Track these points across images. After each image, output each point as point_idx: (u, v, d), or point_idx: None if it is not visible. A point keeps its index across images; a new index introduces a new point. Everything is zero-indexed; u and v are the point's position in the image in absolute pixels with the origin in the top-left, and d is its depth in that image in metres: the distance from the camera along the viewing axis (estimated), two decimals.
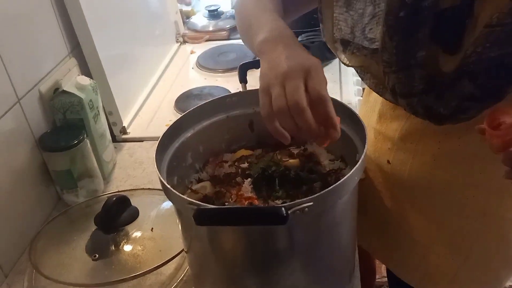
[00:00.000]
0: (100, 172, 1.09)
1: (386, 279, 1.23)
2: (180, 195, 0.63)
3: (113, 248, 0.86)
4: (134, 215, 0.91)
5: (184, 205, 0.62)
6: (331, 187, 0.61)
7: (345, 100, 1.34)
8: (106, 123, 1.16)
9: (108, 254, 0.85)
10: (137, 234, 0.89)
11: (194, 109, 0.83)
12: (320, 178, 0.78)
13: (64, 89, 1.02)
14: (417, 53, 0.67)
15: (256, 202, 0.74)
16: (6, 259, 0.91)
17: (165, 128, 0.78)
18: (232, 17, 1.92)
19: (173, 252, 0.82)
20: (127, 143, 1.29)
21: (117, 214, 0.89)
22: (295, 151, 0.85)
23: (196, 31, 1.90)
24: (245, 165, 0.83)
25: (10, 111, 0.92)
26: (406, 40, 0.67)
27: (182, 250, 0.81)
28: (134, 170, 1.17)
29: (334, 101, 0.80)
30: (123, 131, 1.31)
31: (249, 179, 0.79)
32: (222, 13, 1.94)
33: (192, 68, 1.68)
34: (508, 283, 1.92)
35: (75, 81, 1.05)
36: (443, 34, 0.66)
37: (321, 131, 0.62)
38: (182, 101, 1.43)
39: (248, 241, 0.68)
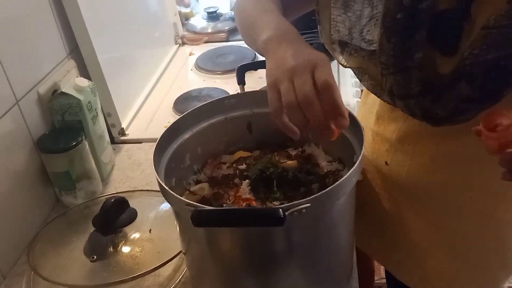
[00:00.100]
0: (98, 173, 1.09)
1: (385, 280, 1.23)
2: (178, 196, 0.63)
3: (111, 249, 0.86)
4: (132, 216, 0.91)
5: (182, 207, 0.62)
6: (329, 188, 0.61)
7: (343, 102, 1.33)
8: (105, 125, 1.16)
9: (106, 256, 0.85)
10: (135, 235, 0.89)
11: (192, 111, 0.83)
12: (318, 180, 0.78)
13: (62, 90, 1.02)
14: (415, 55, 0.67)
15: (254, 203, 0.75)
16: (4, 261, 0.91)
17: (163, 130, 0.78)
18: (231, 19, 1.92)
19: (171, 254, 0.82)
20: (125, 144, 1.29)
21: (116, 216, 0.89)
22: (293, 153, 0.86)
23: (195, 32, 1.90)
24: (243, 166, 0.83)
25: (8, 112, 0.92)
26: (404, 42, 0.67)
27: (180, 252, 0.81)
28: (132, 172, 1.17)
29: None
30: (122, 132, 1.31)
31: (247, 180, 0.79)
32: (221, 15, 1.95)
33: (191, 70, 1.68)
34: (507, 284, 1.92)
35: (73, 83, 1.05)
36: (440, 36, 0.66)
37: (330, 124, 0.62)
38: (180, 102, 1.44)
39: (246, 242, 0.68)
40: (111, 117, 1.27)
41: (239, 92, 0.88)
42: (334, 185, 0.61)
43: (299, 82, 0.61)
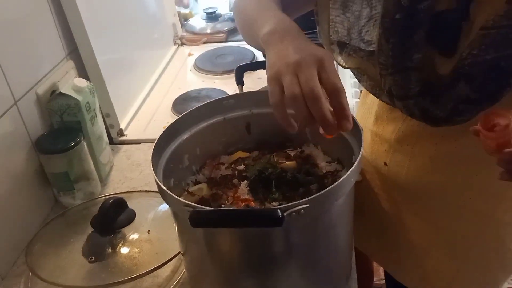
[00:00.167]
0: (97, 174, 1.09)
1: (384, 281, 1.23)
2: (176, 197, 0.63)
3: (110, 250, 0.86)
4: (131, 217, 0.91)
5: (180, 207, 0.62)
6: (327, 189, 0.61)
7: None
8: (104, 125, 1.16)
9: (104, 257, 0.85)
10: (134, 236, 0.88)
11: (191, 111, 0.83)
12: (316, 180, 0.78)
13: (61, 91, 1.02)
14: (413, 56, 0.67)
15: (252, 204, 0.75)
16: (3, 261, 0.91)
17: (162, 130, 0.78)
18: (230, 19, 1.92)
19: (169, 255, 0.82)
20: (124, 145, 1.29)
21: (114, 217, 0.89)
22: (292, 153, 0.86)
23: (194, 33, 1.90)
24: (242, 167, 0.83)
25: (7, 113, 0.92)
26: (402, 43, 0.67)
27: (179, 253, 0.81)
28: (131, 172, 1.17)
29: None
30: (121, 133, 1.31)
31: (246, 181, 0.79)
32: (220, 15, 1.95)
33: (190, 70, 1.68)
34: (506, 285, 1.92)
35: (72, 83, 1.05)
36: (439, 36, 0.66)
37: (333, 121, 0.61)
38: (179, 103, 1.44)
39: (244, 243, 0.68)
40: (109, 117, 1.27)
41: (238, 92, 0.88)
42: (332, 185, 0.61)
43: (305, 76, 0.60)
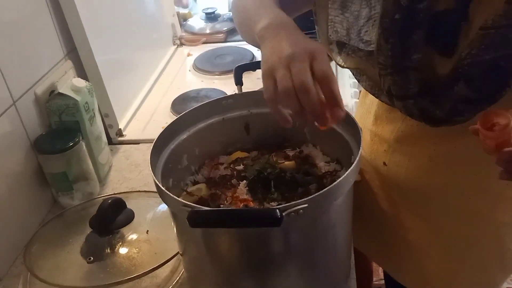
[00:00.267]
0: (95, 174, 1.08)
1: (383, 281, 1.23)
2: (175, 197, 0.63)
3: (109, 250, 0.86)
4: (130, 217, 0.91)
5: (178, 207, 0.62)
6: (326, 188, 0.61)
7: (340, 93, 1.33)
8: (102, 126, 1.16)
9: (103, 257, 0.85)
10: (133, 236, 0.88)
11: (189, 111, 0.83)
12: (315, 180, 0.78)
13: (59, 91, 1.02)
14: (413, 56, 0.67)
15: (251, 204, 0.74)
16: (1, 262, 0.91)
17: (161, 131, 0.78)
18: (229, 19, 1.92)
19: (168, 255, 0.81)
20: (123, 145, 1.29)
21: (113, 217, 0.89)
22: (291, 153, 0.85)
23: (193, 33, 1.90)
24: (241, 167, 0.83)
25: (5, 113, 0.92)
26: (402, 43, 0.67)
27: (178, 253, 0.81)
28: (130, 173, 1.17)
29: None
30: (119, 133, 1.30)
31: (245, 181, 0.79)
32: (219, 15, 1.95)
33: (189, 71, 1.68)
34: (506, 285, 1.92)
35: (70, 83, 1.04)
36: (438, 36, 0.66)
37: (325, 113, 0.62)
38: (178, 103, 1.43)
39: (243, 243, 0.68)
40: (108, 117, 1.27)
41: (237, 92, 0.88)
42: (331, 185, 0.61)
43: (297, 69, 0.60)
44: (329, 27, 0.78)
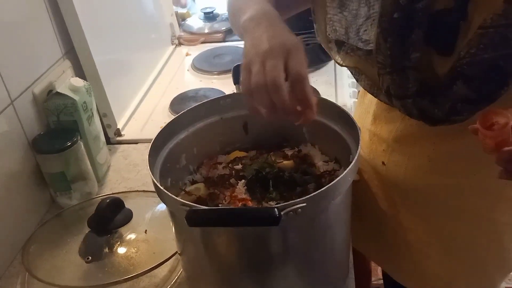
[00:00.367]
0: (94, 174, 1.08)
1: (382, 281, 1.23)
2: (173, 196, 0.63)
3: (107, 250, 0.86)
4: (128, 217, 0.91)
5: (177, 207, 0.62)
6: (324, 188, 0.61)
7: (340, 102, 1.34)
8: (100, 125, 1.16)
9: (101, 257, 0.85)
10: (131, 236, 0.88)
11: (188, 111, 0.83)
12: (314, 180, 0.78)
13: (58, 91, 1.02)
14: (411, 55, 0.67)
15: (250, 203, 0.74)
16: None
17: (159, 130, 0.77)
18: (228, 19, 1.92)
19: (167, 254, 0.81)
20: (121, 145, 1.29)
21: (111, 217, 0.89)
22: (289, 153, 0.85)
23: (191, 33, 1.90)
24: (239, 166, 0.83)
25: (3, 113, 0.92)
26: (400, 42, 0.67)
27: (176, 253, 0.81)
28: (128, 173, 1.17)
29: (328, 102, 0.81)
30: (118, 133, 1.30)
31: (243, 180, 0.79)
32: (218, 15, 1.94)
33: (188, 70, 1.68)
34: (504, 285, 1.92)
35: (69, 83, 1.04)
36: (437, 36, 0.66)
37: (297, 109, 0.64)
38: (177, 103, 1.43)
39: (242, 243, 0.68)
40: (106, 117, 1.27)
41: (235, 92, 0.87)
42: (329, 184, 0.61)
43: (270, 65, 0.62)
44: (328, 25, 0.78)
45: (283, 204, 0.58)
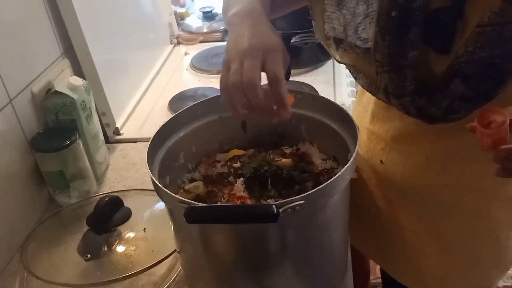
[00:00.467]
0: (92, 173, 1.08)
1: (380, 280, 1.23)
2: (171, 194, 0.63)
3: (106, 248, 0.86)
4: (127, 215, 0.91)
5: (175, 204, 0.62)
6: (322, 185, 0.61)
7: (338, 101, 1.34)
8: (99, 124, 1.16)
9: (100, 255, 0.85)
10: (130, 234, 0.88)
11: (186, 109, 0.83)
12: (312, 178, 0.78)
13: (56, 89, 1.02)
14: (409, 53, 0.67)
15: (248, 201, 0.75)
16: None
17: (158, 129, 0.77)
18: None
19: (165, 253, 0.81)
20: (120, 144, 1.29)
21: (110, 215, 0.89)
22: (288, 151, 0.86)
23: (190, 32, 1.90)
24: (238, 164, 0.83)
25: (1, 112, 0.92)
26: (398, 40, 0.67)
27: (175, 251, 0.81)
28: (127, 171, 1.17)
29: (326, 100, 0.81)
30: (116, 132, 1.30)
31: (242, 178, 0.79)
32: (216, 14, 1.95)
33: (186, 70, 1.68)
34: (502, 283, 1.93)
35: (67, 82, 1.04)
36: (435, 34, 0.66)
37: (272, 109, 0.66)
38: (175, 102, 1.43)
39: (240, 241, 0.68)
40: (105, 116, 1.27)
41: None
42: (327, 182, 0.61)
43: (247, 65, 0.64)
44: (327, 23, 0.78)
45: (282, 201, 0.58)
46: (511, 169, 0.59)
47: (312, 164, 0.82)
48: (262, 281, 0.71)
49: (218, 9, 1.98)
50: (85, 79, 1.15)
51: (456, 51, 0.64)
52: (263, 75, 0.65)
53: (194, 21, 1.95)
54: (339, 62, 0.82)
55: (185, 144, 0.83)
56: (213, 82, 1.55)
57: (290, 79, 0.86)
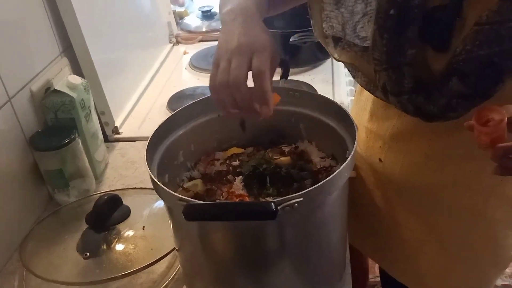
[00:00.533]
0: (92, 171, 1.08)
1: (379, 279, 1.24)
2: (170, 191, 0.63)
3: (105, 247, 0.86)
4: (126, 214, 0.91)
5: (174, 202, 0.62)
6: (321, 183, 0.61)
7: (337, 101, 1.34)
8: (98, 123, 1.16)
9: (99, 253, 0.85)
10: (129, 233, 0.88)
11: (185, 107, 0.83)
12: (311, 176, 0.78)
13: (55, 88, 1.02)
14: (407, 51, 0.67)
15: (247, 199, 0.75)
16: None
17: (157, 127, 0.78)
18: None
19: (164, 251, 0.82)
20: (119, 143, 1.29)
21: (109, 213, 0.89)
22: (287, 149, 0.86)
23: (189, 31, 1.90)
24: (237, 163, 0.83)
25: (0, 110, 0.92)
26: (396, 39, 0.67)
27: (174, 249, 0.81)
28: (126, 170, 1.17)
29: (325, 99, 0.81)
30: (115, 131, 1.30)
31: (240, 176, 0.79)
32: (215, 14, 1.95)
33: (185, 69, 1.68)
34: (500, 282, 1.93)
35: (66, 81, 1.04)
36: (433, 32, 0.66)
37: (256, 108, 0.68)
38: (174, 101, 1.44)
39: (239, 239, 0.68)
40: (104, 115, 1.27)
41: None
42: (326, 179, 0.61)
43: (234, 64, 0.65)
44: (325, 22, 0.78)
45: (280, 198, 0.58)
46: (509, 167, 0.59)
47: (310, 162, 0.82)
48: (260, 278, 0.71)
49: (217, 8, 1.96)
50: (84, 78, 1.15)
51: (454, 49, 0.65)
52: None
53: (193, 20, 1.95)
54: (337, 60, 0.82)
55: (184, 143, 0.84)
56: None
57: (288, 78, 0.86)
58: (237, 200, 0.74)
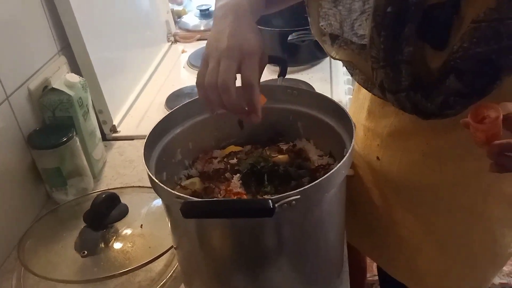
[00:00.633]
0: (89, 170, 1.08)
1: (377, 277, 1.24)
2: (168, 189, 0.63)
3: (102, 245, 0.86)
4: (124, 212, 0.91)
5: (172, 200, 0.62)
6: (318, 180, 0.61)
7: (335, 99, 1.33)
8: (96, 122, 1.16)
9: (97, 251, 0.85)
10: (127, 231, 0.89)
11: (183, 106, 0.83)
12: (308, 174, 0.78)
13: (53, 86, 1.02)
14: (404, 49, 0.67)
15: (245, 197, 0.75)
16: None
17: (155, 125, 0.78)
18: None
19: (162, 249, 0.82)
20: (117, 141, 1.29)
21: (107, 212, 0.89)
22: (284, 147, 0.86)
23: (187, 30, 1.90)
24: (234, 161, 0.83)
25: None
26: (394, 36, 0.67)
27: (172, 247, 0.81)
28: (124, 169, 1.17)
29: (323, 97, 0.81)
30: (114, 129, 1.30)
31: (238, 174, 0.79)
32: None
33: (183, 67, 1.68)
34: (498, 280, 1.94)
35: (64, 79, 1.04)
36: (430, 30, 0.66)
37: (244, 109, 0.69)
38: (173, 100, 1.43)
39: (236, 237, 0.68)
40: (102, 114, 1.27)
41: None
42: (323, 177, 0.61)
43: (223, 67, 0.66)
44: (323, 19, 0.78)
45: (278, 196, 0.58)
46: (504, 164, 0.60)
47: (308, 160, 0.82)
48: (258, 276, 0.71)
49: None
50: (82, 77, 1.15)
51: (452, 47, 0.65)
52: (239, 76, 0.67)
53: (191, 19, 1.95)
54: (334, 58, 0.82)
55: (182, 141, 0.83)
56: None
57: (287, 76, 0.86)
58: (235, 197, 0.74)
